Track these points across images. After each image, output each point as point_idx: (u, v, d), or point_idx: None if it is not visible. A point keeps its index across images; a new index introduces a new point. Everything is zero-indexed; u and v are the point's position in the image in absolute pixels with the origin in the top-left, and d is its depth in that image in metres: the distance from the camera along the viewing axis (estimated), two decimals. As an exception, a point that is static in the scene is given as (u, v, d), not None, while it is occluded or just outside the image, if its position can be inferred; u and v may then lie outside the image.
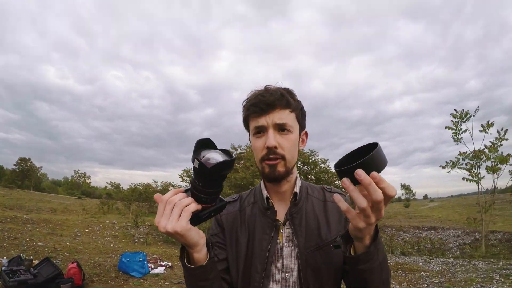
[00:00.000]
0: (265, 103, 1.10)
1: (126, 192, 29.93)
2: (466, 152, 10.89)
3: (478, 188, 11.04)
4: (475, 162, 10.82)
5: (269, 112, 1.10)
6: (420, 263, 9.12)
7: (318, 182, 16.37)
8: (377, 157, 0.73)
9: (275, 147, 1.09)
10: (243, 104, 1.19)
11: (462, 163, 11.20)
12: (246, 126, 1.22)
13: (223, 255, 1.21)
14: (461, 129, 10.67)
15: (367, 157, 0.71)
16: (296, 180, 1.24)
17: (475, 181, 10.86)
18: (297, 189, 1.22)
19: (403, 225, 24.31)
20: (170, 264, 8.70)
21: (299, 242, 1.15)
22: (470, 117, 10.36)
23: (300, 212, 1.20)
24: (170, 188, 0.91)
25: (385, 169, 0.76)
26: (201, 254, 0.96)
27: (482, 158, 10.61)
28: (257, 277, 1.13)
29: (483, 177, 10.81)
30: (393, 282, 7.05)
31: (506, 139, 10.14)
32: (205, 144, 0.87)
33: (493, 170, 10.45)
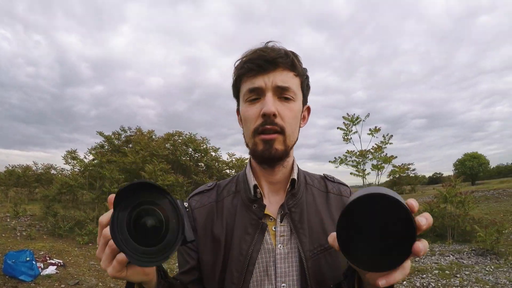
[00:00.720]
0: (265, 59, 0.89)
1: (3, 175, 26.78)
2: (354, 151, 12.05)
3: (363, 182, 12.40)
4: (361, 160, 12.10)
5: (269, 71, 0.90)
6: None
7: (209, 170, 16.60)
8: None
9: (274, 115, 0.88)
10: (235, 64, 0.97)
11: (349, 160, 12.43)
12: (236, 93, 1.01)
13: (191, 263, 0.98)
14: (351, 130, 11.76)
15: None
16: (293, 166, 1.02)
17: (361, 176, 12.17)
18: (294, 176, 0.99)
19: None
20: (61, 262, 8.07)
21: (302, 243, 0.93)
22: (360, 121, 11.43)
23: (300, 205, 0.98)
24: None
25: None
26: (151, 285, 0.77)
27: (368, 157, 11.85)
28: None
29: (368, 173, 12.16)
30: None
31: (390, 143, 11.40)
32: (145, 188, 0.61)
33: (377, 168, 11.71)
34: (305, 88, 1.00)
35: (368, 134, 11.45)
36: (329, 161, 12.86)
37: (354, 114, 11.49)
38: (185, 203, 0.99)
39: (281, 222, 0.96)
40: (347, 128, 11.94)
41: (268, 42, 0.96)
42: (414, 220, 0.54)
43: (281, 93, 0.91)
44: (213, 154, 17.21)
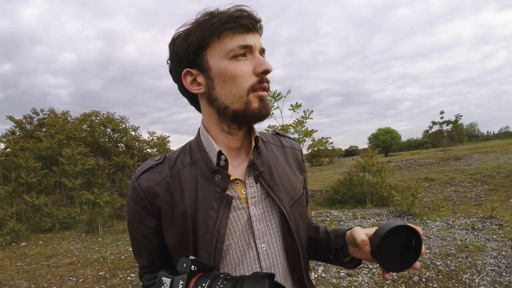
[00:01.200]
0: (254, 19, 0.86)
1: None
2: (275, 125, 12.19)
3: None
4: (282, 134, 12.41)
5: (256, 31, 0.88)
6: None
7: (129, 151, 16.16)
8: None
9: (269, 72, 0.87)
10: (202, 18, 0.86)
11: (271, 134, 12.73)
12: (202, 48, 0.86)
13: (154, 252, 0.97)
14: (273, 106, 11.84)
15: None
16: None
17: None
18: (257, 134, 0.97)
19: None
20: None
21: (281, 200, 0.94)
22: (281, 97, 11.55)
23: (267, 163, 0.97)
24: None
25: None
26: None
27: (290, 131, 12.06)
28: None
29: (290, 147, 12.51)
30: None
31: (311, 118, 11.64)
32: None
33: (299, 141, 11.96)
34: None
35: (290, 109, 11.62)
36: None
37: (276, 90, 11.57)
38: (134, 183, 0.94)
39: (256, 183, 0.93)
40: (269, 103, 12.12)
41: (239, 5, 0.88)
42: (421, 241, 0.80)
43: (261, 55, 0.90)
44: (133, 133, 16.77)
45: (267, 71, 0.86)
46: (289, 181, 1.00)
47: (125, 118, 16.37)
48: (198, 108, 0.98)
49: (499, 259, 5.16)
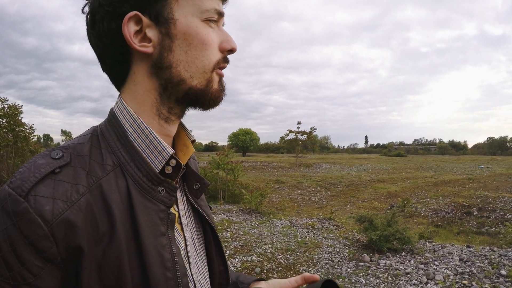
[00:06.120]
0: None
1: None
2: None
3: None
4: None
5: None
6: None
7: None
8: None
9: None
10: None
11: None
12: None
13: None
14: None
15: None
16: None
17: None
18: (192, 136, 0.81)
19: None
20: None
21: (210, 217, 0.82)
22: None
23: (196, 171, 0.82)
24: None
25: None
26: None
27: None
28: None
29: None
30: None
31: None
32: None
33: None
34: None
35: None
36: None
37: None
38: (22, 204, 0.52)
39: (196, 197, 0.78)
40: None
41: None
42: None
43: None
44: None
45: (233, 50, 0.72)
46: (202, 195, 0.85)
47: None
48: (121, 78, 0.70)
49: (333, 254, 5.82)
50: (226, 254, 5.52)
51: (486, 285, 4.44)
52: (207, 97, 0.69)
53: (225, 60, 0.70)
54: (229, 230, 7.07)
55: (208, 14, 0.66)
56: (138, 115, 0.66)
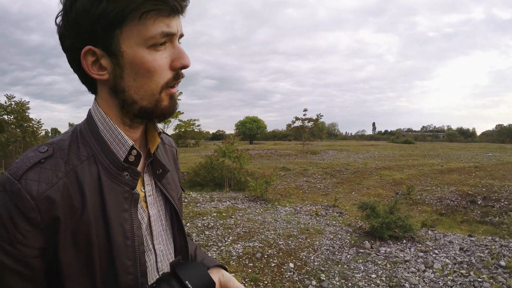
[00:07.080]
0: None
1: None
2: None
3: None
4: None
5: (179, 14, 0.77)
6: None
7: None
8: None
9: None
10: None
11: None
12: (116, 25, 0.71)
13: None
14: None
15: None
16: None
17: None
18: (160, 129, 0.93)
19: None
20: None
21: (173, 198, 0.95)
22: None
23: (162, 157, 0.96)
24: None
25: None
26: None
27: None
28: (131, 280, 0.78)
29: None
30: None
31: (179, 99, 11.59)
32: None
33: (164, 122, 11.92)
34: None
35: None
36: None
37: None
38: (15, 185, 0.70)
39: (151, 180, 0.91)
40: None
41: None
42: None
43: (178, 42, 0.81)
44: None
45: (185, 67, 0.79)
46: (173, 179, 0.99)
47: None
48: (93, 90, 0.84)
49: (334, 241, 5.92)
50: (229, 240, 5.69)
51: (484, 275, 4.51)
52: (157, 113, 0.80)
53: (176, 78, 0.79)
54: (233, 217, 7.21)
55: (153, 41, 0.73)
56: (108, 115, 0.81)
